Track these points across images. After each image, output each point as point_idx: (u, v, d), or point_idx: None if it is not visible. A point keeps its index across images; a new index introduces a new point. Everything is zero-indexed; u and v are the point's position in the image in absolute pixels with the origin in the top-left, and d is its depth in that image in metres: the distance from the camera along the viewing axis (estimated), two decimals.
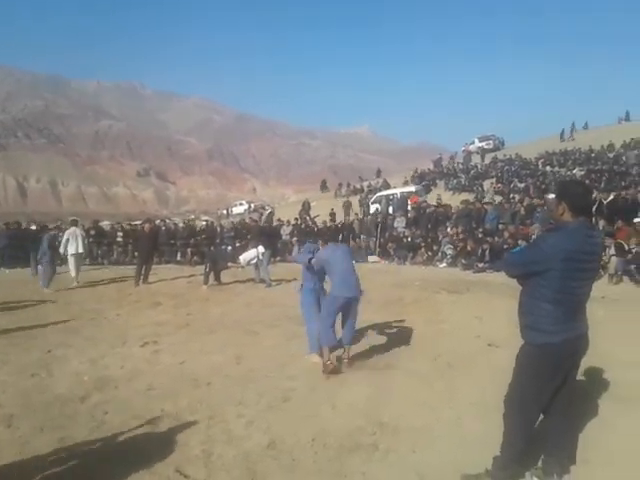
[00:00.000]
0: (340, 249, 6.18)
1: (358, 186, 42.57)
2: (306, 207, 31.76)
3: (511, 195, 21.99)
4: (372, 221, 21.34)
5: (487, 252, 14.46)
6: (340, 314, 5.74)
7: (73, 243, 13.11)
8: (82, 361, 6.11)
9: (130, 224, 22.85)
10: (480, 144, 43.94)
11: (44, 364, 5.97)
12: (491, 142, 44.42)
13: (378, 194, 30.26)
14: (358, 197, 34.98)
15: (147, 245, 13.82)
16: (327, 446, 3.79)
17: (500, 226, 15.87)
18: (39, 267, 13.67)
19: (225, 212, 50.43)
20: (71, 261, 13.22)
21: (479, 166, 35.25)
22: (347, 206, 29.08)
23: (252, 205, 53.37)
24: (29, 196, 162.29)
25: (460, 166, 37.40)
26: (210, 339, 7.23)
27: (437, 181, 34.46)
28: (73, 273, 13.26)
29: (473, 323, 7.90)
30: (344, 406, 4.57)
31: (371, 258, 18.63)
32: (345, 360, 5.76)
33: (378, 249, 19.20)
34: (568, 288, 3.02)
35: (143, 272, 13.30)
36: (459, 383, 5.08)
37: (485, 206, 18.03)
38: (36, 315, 9.06)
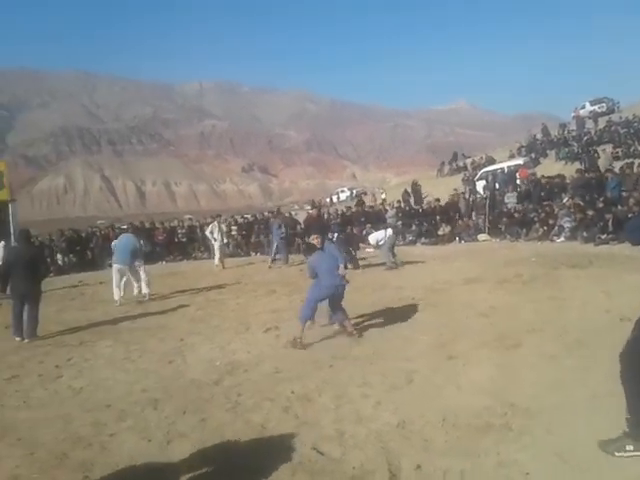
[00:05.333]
0: (324, 254, 6.83)
1: (461, 164, 41.25)
2: (417, 188, 30.56)
3: (632, 160, 20.29)
4: (480, 198, 20.66)
5: (610, 222, 13.47)
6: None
7: (216, 234, 15.26)
8: (212, 347, 6.51)
9: (243, 217, 23.80)
10: (592, 108, 40.71)
11: (179, 352, 6.43)
12: (604, 105, 40.90)
13: (483, 170, 29.18)
14: (462, 175, 33.92)
15: (317, 230, 14.62)
16: (457, 426, 3.75)
17: (623, 194, 14.73)
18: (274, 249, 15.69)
19: (329, 200, 50.81)
20: (215, 249, 15.40)
21: (592, 131, 32.74)
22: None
23: (354, 191, 53.58)
24: (147, 198, 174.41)
25: (572, 133, 34.94)
26: (326, 324, 7.37)
27: (547, 151, 32.47)
28: (217, 261, 15.32)
29: (600, 298, 7.43)
30: (469, 386, 4.50)
31: (481, 237, 18.06)
32: (353, 331, 6.50)
33: (488, 227, 18.55)
34: None
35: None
36: (591, 360, 4.81)
37: (606, 174, 16.79)
38: (165, 306, 9.77)
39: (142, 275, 10.61)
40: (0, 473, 3.53)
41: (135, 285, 10.62)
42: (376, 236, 13.18)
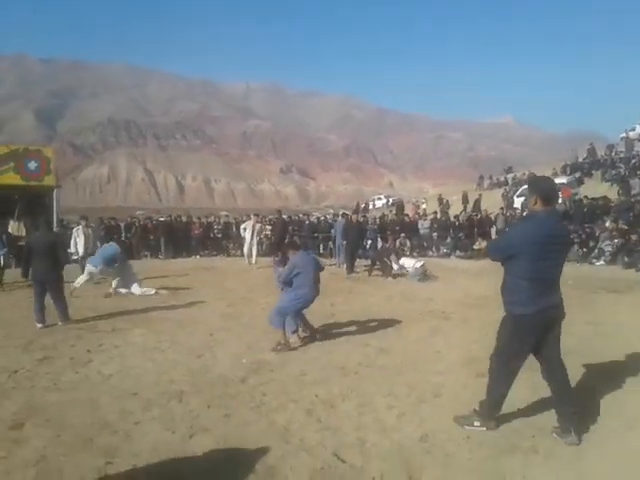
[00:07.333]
0: (311, 256, 6.97)
1: (502, 178, 40.60)
2: (478, 201, 29.45)
3: None
4: (518, 215, 20.28)
5: None
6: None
7: (247, 232, 15.62)
8: (240, 345, 6.55)
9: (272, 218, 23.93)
10: None
11: (207, 346, 6.49)
12: None
13: (524, 187, 28.61)
14: (502, 190, 33.42)
15: (355, 234, 14.43)
16: (482, 445, 3.67)
17: None
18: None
19: (364, 206, 50.61)
20: (245, 247, 15.87)
21: None
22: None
23: (390, 199, 53.36)
24: (186, 192, 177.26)
25: (620, 155, 33.92)
26: (355, 330, 7.37)
27: (593, 172, 31.65)
28: (247, 259, 15.67)
29: (639, 326, 7.20)
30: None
31: None
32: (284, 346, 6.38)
33: None
34: (540, 267, 3.58)
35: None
36: (627, 390, 4.67)
37: None
38: (196, 300, 9.88)
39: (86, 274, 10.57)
40: (28, 453, 3.61)
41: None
42: (406, 261, 13.08)
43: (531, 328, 3.68)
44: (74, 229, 13.32)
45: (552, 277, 3.69)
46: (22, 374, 5.39)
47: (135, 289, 10.71)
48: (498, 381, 3.88)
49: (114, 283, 10.64)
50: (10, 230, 15.32)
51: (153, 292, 10.77)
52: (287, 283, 6.65)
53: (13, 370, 5.48)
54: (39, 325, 7.61)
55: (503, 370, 3.85)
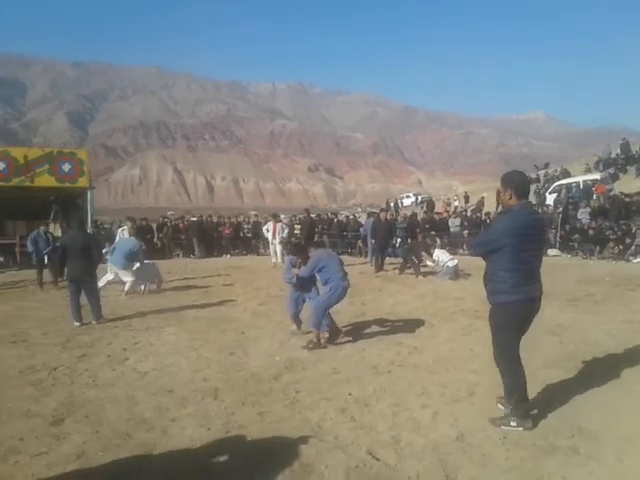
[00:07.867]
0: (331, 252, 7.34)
1: (534, 175, 39.83)
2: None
3: None
4: (552, 212, 19.89)
5: None
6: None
7: (271, 233, 15.74)
8: (272, 342, 6.59)
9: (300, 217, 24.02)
10: None
11: (240, 344, 6.53)
12: None
13: (557, 183, 28.08)
14: (534, 187, 32.78)
15: (384, 233, 14.37)
16: (520, 445, 3.61)
17: None
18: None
19: (392, 205, 50.29)
20: (273, 248, 15.81)
21: None
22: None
23: (419, 197, 52.96)
24: (216, 192, 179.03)
25: None
26: (387, 329, 7.33)
27: (627, 167, 30.81)
28: (273, 258, 15.68)
29: None
30: (534, 405, 4.31)
31: (551, 252, 17.38)
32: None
33: (559, 242, 17.85)
34: (520, 258, 3.75)
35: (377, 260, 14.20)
36: None
37: None
38: (228, 298, 9.99)
39: (130, 277, 10.42)
40: (68, 448, 3.69)
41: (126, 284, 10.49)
42: (440, 254, 12.91)
43: (516, 315, 3.85)
44: (119, 229, 13.51)
45: (532, 267, 3.87)
46: (61, 371, 5.51)
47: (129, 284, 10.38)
48: (510, 375, 3.96)
49: (127, 285, 10.34)
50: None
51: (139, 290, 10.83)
52: (304, 285, 6.79)
53: (53, 367, 5.62)
54: (76, 324, 7.76)
55: (508, 361, 3.95)
